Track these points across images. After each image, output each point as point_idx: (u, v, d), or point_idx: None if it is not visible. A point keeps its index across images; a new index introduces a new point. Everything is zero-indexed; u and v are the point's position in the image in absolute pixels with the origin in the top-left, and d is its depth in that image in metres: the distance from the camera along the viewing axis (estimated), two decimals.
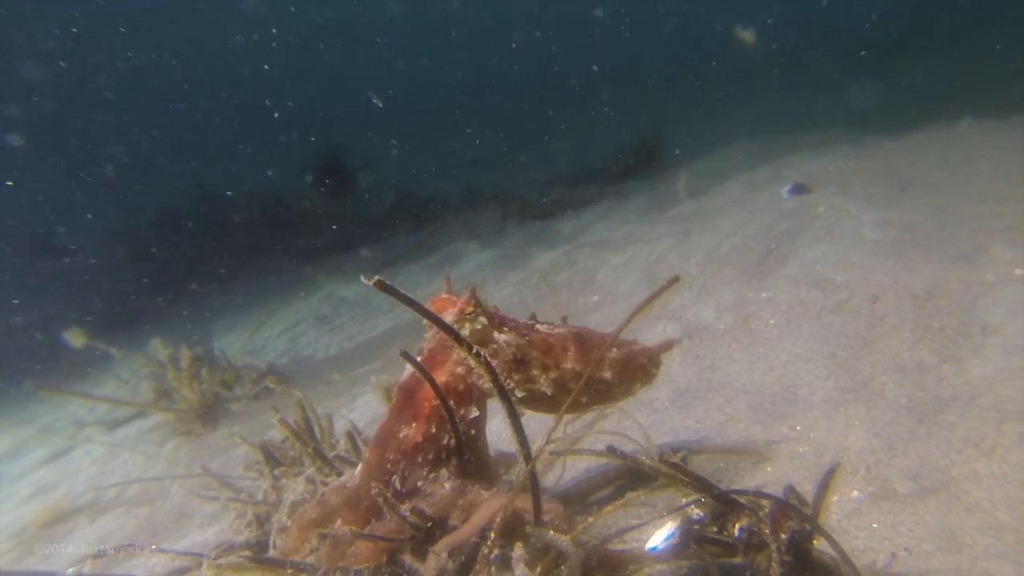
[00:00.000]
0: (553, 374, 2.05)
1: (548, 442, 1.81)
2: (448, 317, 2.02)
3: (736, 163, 8.57)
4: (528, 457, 1.84)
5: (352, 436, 2.90)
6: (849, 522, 1.99)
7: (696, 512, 1.89)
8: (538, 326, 2.14)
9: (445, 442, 1.95)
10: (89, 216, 15.04)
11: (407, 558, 1.84)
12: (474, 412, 1.98)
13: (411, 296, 1.72)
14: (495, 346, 2.02)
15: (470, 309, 2.01)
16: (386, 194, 13.45)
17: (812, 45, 18.08)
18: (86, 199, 16.12)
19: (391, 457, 1.95)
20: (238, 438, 3.59)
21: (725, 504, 1.86)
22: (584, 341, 2.12)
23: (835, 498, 2.08)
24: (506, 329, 2.07)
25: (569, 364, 2.05)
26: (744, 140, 10.07)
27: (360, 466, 2.04)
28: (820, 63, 15.57)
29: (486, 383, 1.91)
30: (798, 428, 2.53)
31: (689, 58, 20.95)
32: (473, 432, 2.00)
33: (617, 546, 1.93)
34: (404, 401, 2.01)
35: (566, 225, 8.23)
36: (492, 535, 1.79)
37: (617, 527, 1.95)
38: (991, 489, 1.96)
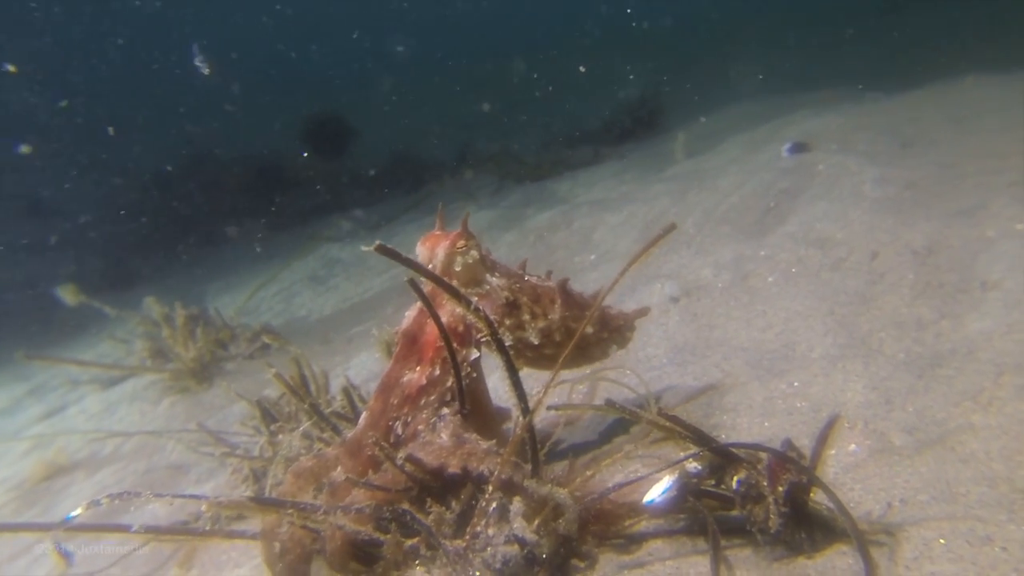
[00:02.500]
0: (541, 323, 2.10)
1: (546, 392, 1.79)
2: (440, 251, 2.01)
3: (735, 123, 8.46)
4: (525, 410, 1.83)
5: (348, 392, 2.89)
6: (846, 474, 1.99)
7: (694, 465, 1.89)
8: (527, 277, 2.18)
9: (449, 384, 1.94)
10: (83, 177, 14.87)
11: (406, 507, 1.84)
12: (475, 353, 1.98)
13: (410, 257, 1.72)
14: (488, 287, 2.02)
15: (462, 243, 2.00)
16: (381, 155, 13.30)
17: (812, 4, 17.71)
18: (80, 160, 15.90)
19: (395, 402, 1.95)
20: (235, 393, 3.58)
21: (723, 457, 1.85)
22: (569, 295, 2.19)
23: (832, 451, 2.08)
24: (497, 274, 2.08)
25: (556, 315, 2.11)
26: (744, 100, 9.92)
27: (364, 413, 2.02)
28: (819, 22, 15.28)
29: (483, 336, 1.90)
30: (796, 384, 2.52)
31: (689, 19, 20.54)
32: (475, 374, 1.99)
33: (615, 499, 1.93)
34: (407, 347, 2.00)
35: (563, 186, 8.15)
36: (490, 488, 1.78)
37: (615, 481, 1.95)
38: (987, 440, 1.96)
